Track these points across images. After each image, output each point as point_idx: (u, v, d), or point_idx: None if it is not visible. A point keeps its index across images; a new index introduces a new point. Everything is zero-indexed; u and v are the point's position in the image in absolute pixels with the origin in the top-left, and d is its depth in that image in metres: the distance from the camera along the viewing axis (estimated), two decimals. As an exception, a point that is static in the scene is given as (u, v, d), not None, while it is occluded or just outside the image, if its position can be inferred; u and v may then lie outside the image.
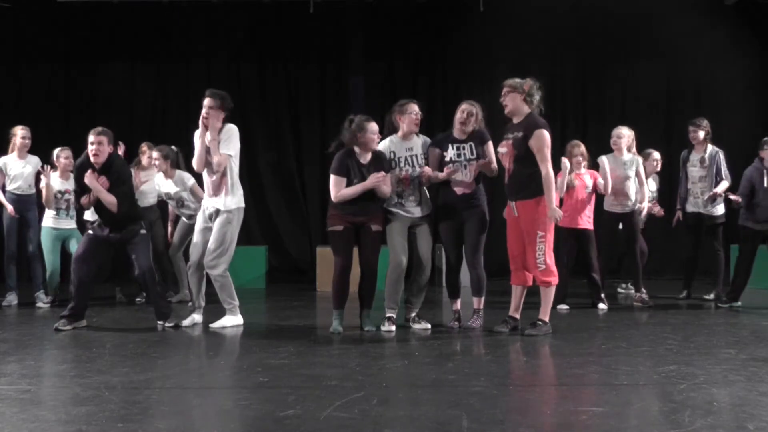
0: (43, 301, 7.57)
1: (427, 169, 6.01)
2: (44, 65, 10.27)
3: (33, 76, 10.27)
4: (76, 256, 6.20)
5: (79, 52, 10.28)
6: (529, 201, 5.72)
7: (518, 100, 5.76)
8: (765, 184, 7.26)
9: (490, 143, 6.06)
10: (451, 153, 6.03)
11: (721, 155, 7.65)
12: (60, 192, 7.53)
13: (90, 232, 6.24)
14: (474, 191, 6.02)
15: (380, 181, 5.87)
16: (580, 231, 7.28)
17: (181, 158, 7.60)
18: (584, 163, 7.38)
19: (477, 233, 6.01)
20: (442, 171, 6.01)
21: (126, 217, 6.16)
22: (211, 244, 6.13)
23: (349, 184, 5.90)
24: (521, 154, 5.70)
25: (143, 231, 6.26)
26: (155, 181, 7.75)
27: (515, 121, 5.82)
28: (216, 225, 6.14)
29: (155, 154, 7.61)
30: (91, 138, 6.04)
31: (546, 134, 5.67)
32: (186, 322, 6.29)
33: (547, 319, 5.87)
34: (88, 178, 6.02)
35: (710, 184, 7.61)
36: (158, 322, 6.25)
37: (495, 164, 6.04)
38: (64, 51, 10.31)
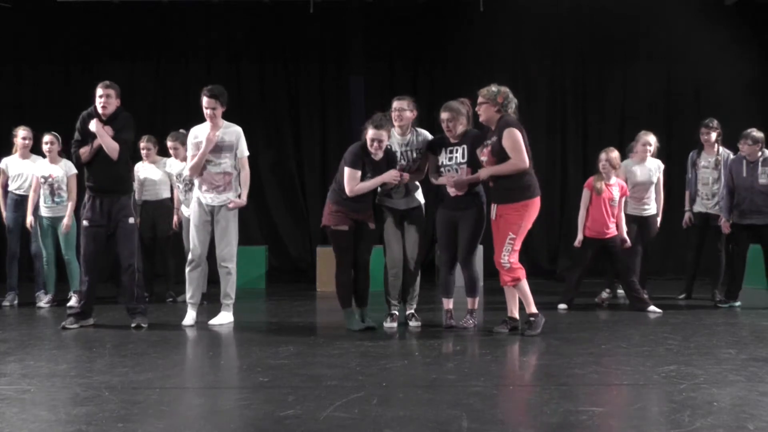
0: (43, 301, 7.57)
1: (405, 176, 6.06)
2: (44, 65, 10.27)
3: (33, 76, 10.26)
4: (84, 256, 6.24)
5: (79, 52, 10.28)
6: (510, 205, 5.75)
7: (492, 111, 5.82)
8: (744, 174, 7.31)
9: (479, 148, 5.94)
10: (443, 158, 6.06)
11: (732, 158, 7.66)
12: (43, 177, 7.51)
13: (85, 223, 6.24)
14: (467, 193, 6.00)
15: (397, 179, 5.96)
16: (607, 240, 7.19)
17: None
18: (614, 173, 7.21)
19: (469, 234, 6.00)
20: (439, 175, 6.07)
21: (118, 177, 6.20)
22: (224, 237, 6.28)
23: (362, 178, 5.95)
24: (500, 159, 5.72)
25: (131, 221, 6.26)
26: (166, 168, 7.83)
27: (492, 128, 5.86)
28: (223, 218, 6.28)
29: (170, 143, 7.78)
30: (99, 91, 6.16)
31: (515, 132, 5.68)
32: (188, 321, 6.30)
33: (535, 310, 5.86)
34: (94, 124, 6.12)
35: (721, 187, 7.61)
36: (133, 320, 6.24)
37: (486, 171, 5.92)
38: (64, 51, 10.31)
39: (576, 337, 5.73)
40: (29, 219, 7.58)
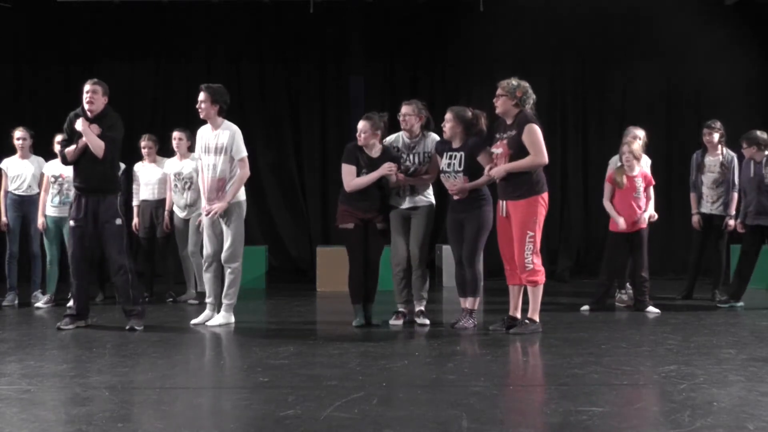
0: (42, 301, 7.57)
1: (401, 176, 6.15)
2: (44, 65, 10.26)
3: (33, 76, 10.26)
4: (71, 256, 6.21)
5: (79, 52, 10.27)
6: (520, 201, 5.75)
7: (509, 104, 5.83)
8: (751, 175, 7.32)
9: (481, 155, 5.99)
10: (443, 163, 6.12)
11: (736, 160, 7.63)
12: (54, 176, 7.54)
13: (71, 223, 6.19)
14: (471, 196, 6.03)
15: (392, 171, 6.04)
16: (635, 234, 7.03)
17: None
18: (637, 163, 7.02)
19: (473, 234, 6.03)
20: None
21: (104, 176, 6.12)
22: (229, 237, 6.27)
23: (358, 175, 6.09)
24: (516, 153, 5.74)
25: (119, 222, 6.18)
26: (165, 167, 7.83)
27: (508, 121, 5.87)
28: (230, 218, 6.27)
29: (176, 134, 7.82)
30: (86, 87, 6.12)
31: (536, 128, 5.72)
32: (200, 319, 6.33)
33: (536, 318, 5.88)
34: (80, 123, 6.07)
35: (727, 189, 7.59)
36: (128, 323, 6.14)
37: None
38: (64, 51, 10.30)
39: (576, 337, 5.73)
40: (41, 220, 7.59)
